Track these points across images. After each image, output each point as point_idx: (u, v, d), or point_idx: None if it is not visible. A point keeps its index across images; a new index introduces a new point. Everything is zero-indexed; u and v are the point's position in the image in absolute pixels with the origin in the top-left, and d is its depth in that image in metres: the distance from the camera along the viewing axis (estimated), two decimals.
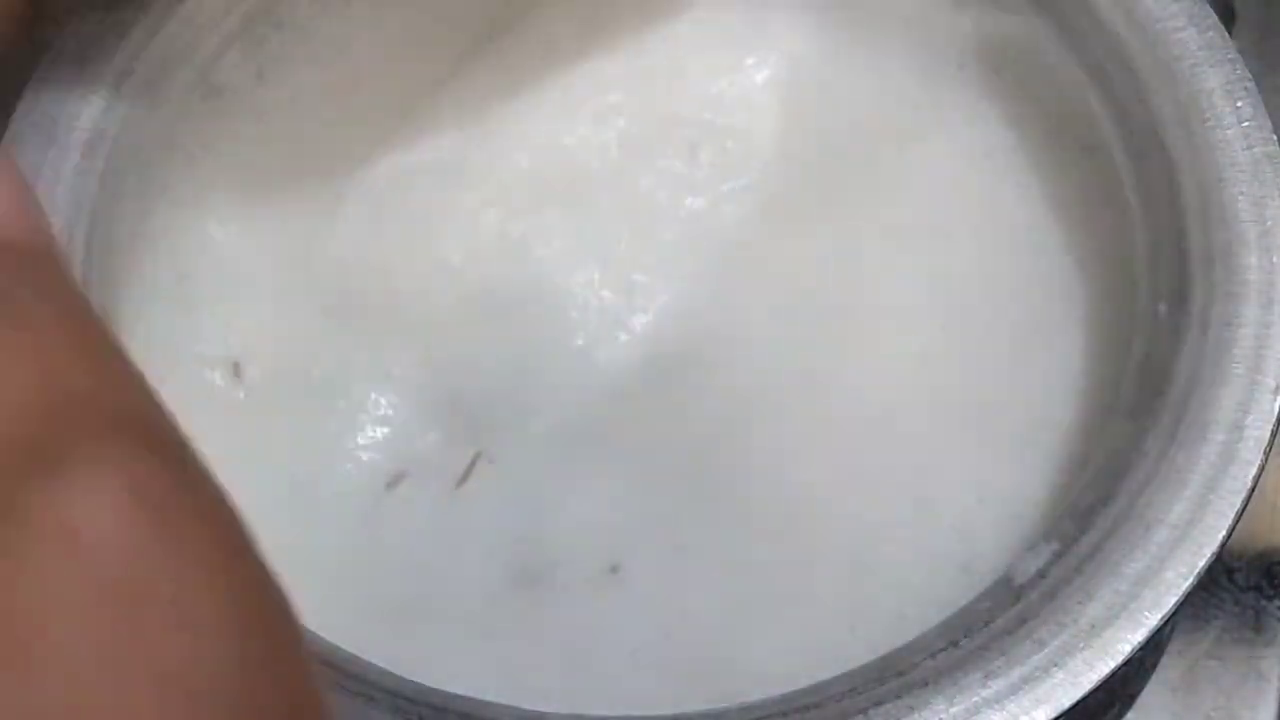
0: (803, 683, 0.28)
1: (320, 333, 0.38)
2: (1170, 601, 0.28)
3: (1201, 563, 0.28)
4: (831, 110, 0.40)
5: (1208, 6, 0.33)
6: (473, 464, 0.36)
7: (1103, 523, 0.29)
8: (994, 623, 0.28)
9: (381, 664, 0.28)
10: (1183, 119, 0.32)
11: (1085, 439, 0.33)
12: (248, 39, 0.37)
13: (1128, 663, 0.27)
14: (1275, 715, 0.37)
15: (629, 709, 0.29)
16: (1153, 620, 0.27)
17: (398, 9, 0.40)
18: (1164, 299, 0.31)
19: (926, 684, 0.27)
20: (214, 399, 0.37)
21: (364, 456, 0.37)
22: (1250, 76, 0.32)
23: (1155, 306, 0.31)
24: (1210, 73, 0.32)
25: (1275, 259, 0.30)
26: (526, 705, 0.29)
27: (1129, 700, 0.34)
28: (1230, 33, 0.33)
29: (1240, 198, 0.31)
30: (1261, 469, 0.29)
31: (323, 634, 0.28)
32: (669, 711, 0.29)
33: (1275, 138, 0.31)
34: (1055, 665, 0.27)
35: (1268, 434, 0.29)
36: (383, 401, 0.37)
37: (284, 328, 0.38)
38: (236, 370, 0.39)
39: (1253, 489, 0.28)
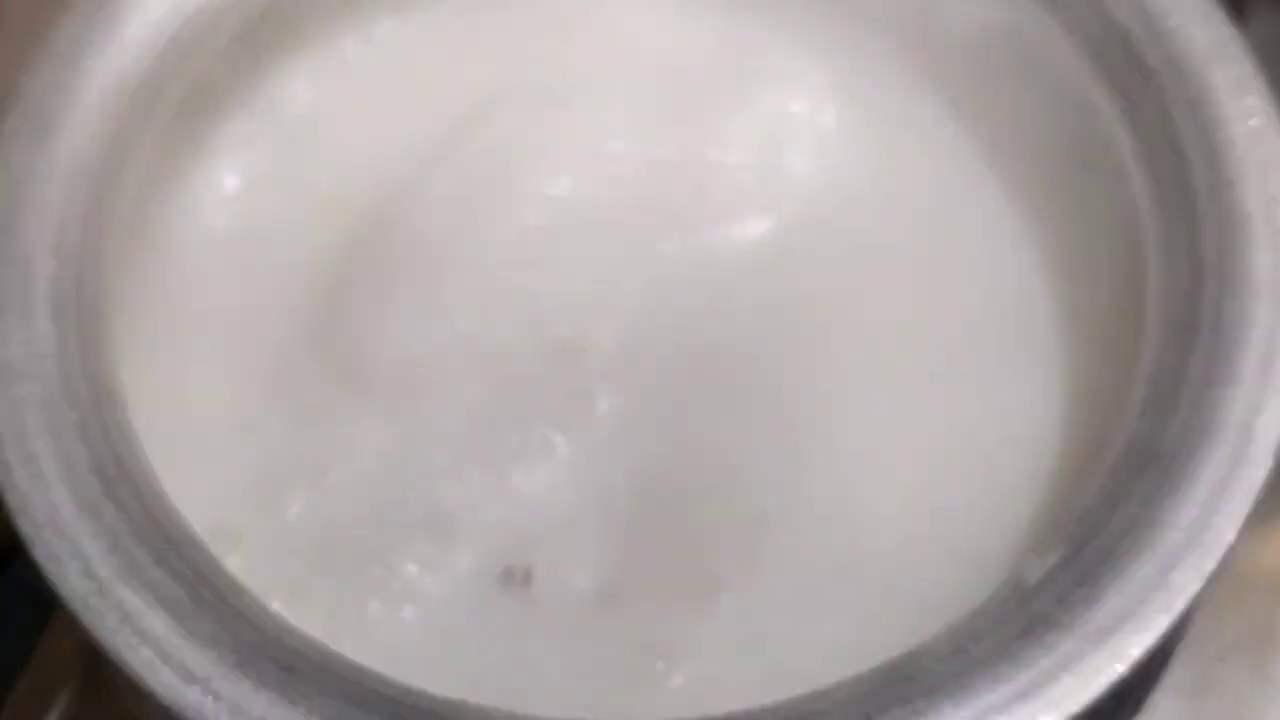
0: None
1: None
2: (1180, 605, 0.27)
3: (1211, 566, 0.28)
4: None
5: (1216, 3, 0.33)
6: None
7: (1111, 526, 0.28)
8: (1002, 627, 0.28)
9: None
10: (1192, 117, 0.32)
11: (1094, 441, 0.32)
12: (246, 42, 0.37)
13: (1137, 667, 0.27)
14: None
15: None
16: (1162, 624, 0.27)
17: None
18: (1174, 299, 0.31)
19: (933, 689, 0.27)
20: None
21: None
22: (1260, 74, 0.32)
23: (1166, 306, 0.31)
24: (1219, 70, 0.32)
25: None
26: None
27: (1138, 705, 0.34)
28: (1240, 29, 0.33)
29: (1250, 196, 0.31)
30: (1272, 471, 0.28)
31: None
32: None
33: None
34: (1063, 669, 0.27)
35: (1278, 436, 0.29)
36: None
37: None
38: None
39: (1263, 491, 0.28)
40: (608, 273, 0.39)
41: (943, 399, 0.36)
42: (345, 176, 0.40)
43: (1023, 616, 0.28)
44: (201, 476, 0.35)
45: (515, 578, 0.36)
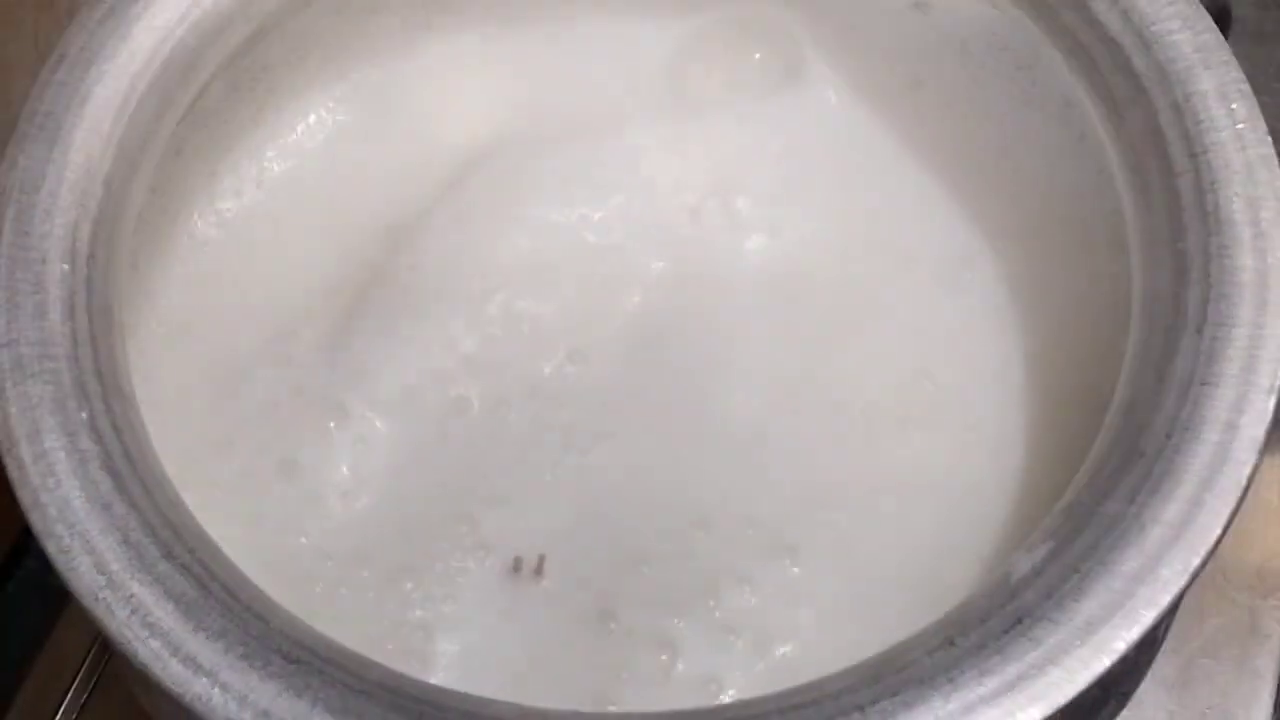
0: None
1: None
2: (1165, 600, 0.28)
3: (1196, 561, 0.28)
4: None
5: (1202, 9, 0.33)
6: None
7: (1098, 521, 0.29)
8: (989, 620, 0.28)
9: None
10: (1178, 122, 0.32)
11: (1080, 439, 0.33)
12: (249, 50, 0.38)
13: (1123, 660, 0.27)
14: (1270, 713, 0.38)
15: None
16: (1148, 618, 0.27)
17: None
18: (1159, 300, 0.31)
19: (922, 681, 0.27)
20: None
21: None
22: (1245, 78, 0.32)
23: (1150, 307, 0.31)
24: (1205, 75, 0.32)
25: (1269, 260, 0.30)
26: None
27: (1124, 698, 0.34)
28: (1226, 35, 0.33)
29: (1235, 199, 0.31)
30: (1256, 469, 0.29)
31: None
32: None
33: (1270, 140, 0.32)
34: (1051, 663, 0.27)
35: (1262, 434, 0.29)
36: None
37: None
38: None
39: (1247, 488, 0.29)
40: (600, 293, 0.40)
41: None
42: (351, 196, 0.41)
43: (1010, 611, 0.28)
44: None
45: (525, 568, 0.37)
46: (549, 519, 0.37)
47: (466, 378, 0.39)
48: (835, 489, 0.37)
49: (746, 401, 0.38)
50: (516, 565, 0.37)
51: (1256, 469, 0.29)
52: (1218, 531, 0.28)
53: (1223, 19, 0.40)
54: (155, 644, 0.27)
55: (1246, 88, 0.32)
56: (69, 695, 0.42)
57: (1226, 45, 0.33)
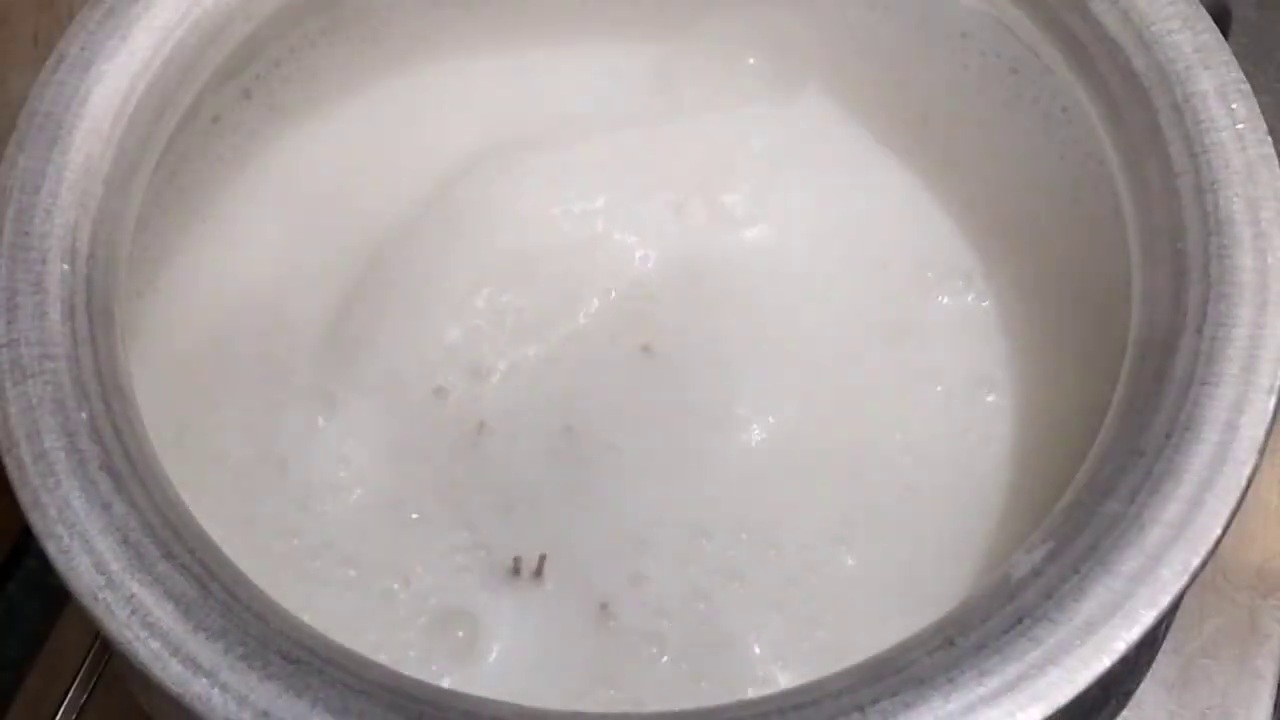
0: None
1: None
2: (1165, 600, 0.28)
3: (1196, 561, 0.28)
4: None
5: (1202, 9, 0.33)
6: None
7: (1098, 521, 0.29)
8: (990, 620, 0.28)
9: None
10: (1178, 122, 0.32)
11: (1080, 438, 0.33)
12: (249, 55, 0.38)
13: (1123, 660, 0.27)
14: (1270, 713, 0.38)
15: None
16: (1148, 618, 0.27)
17: None
18: (1159, 300, 0.31)
19: (923, 681, 0.27)
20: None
21: None
22: (1245, 79, 0.32)
23: (1150, 307, 0.31)
24: (1205, 75, 0.32)
25: (1269, 261, 0.30)
26: None
27: (1125, 698, 0.34)
28: (1225, 35, 0.33)
29: (1235, 199, 0.31)
30: (1256, 469, 0.29)
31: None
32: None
33: (1270, 140, 0.32)
34: (1051, 663, 0.27)
35: (1262, 434, 0.29)
36: None
37: None
38: None
39: (1247, 488, 0.29)
40: (583, 286, 0.41)
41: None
42: (348, 199, 0.42)
43: (1010, 611, 0.28)
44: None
45: (525, 570, 0.37)
46: (543, 516, 0.37)
47: (451, 369, 0.40)
48: (834, 491, 0.38)
49: (738, 402, 0.39)
50: (516, 566, 0.37)
51: (1256, 469, 0.29)
52: (1218, 532, 0.28)
53: (1222, 19, 0.40)
54: (155, 644, 0.27)
55: (1246, 88, 0.32)
56: (68, 695, 0.42)
57: (1226, 45, 0.33)
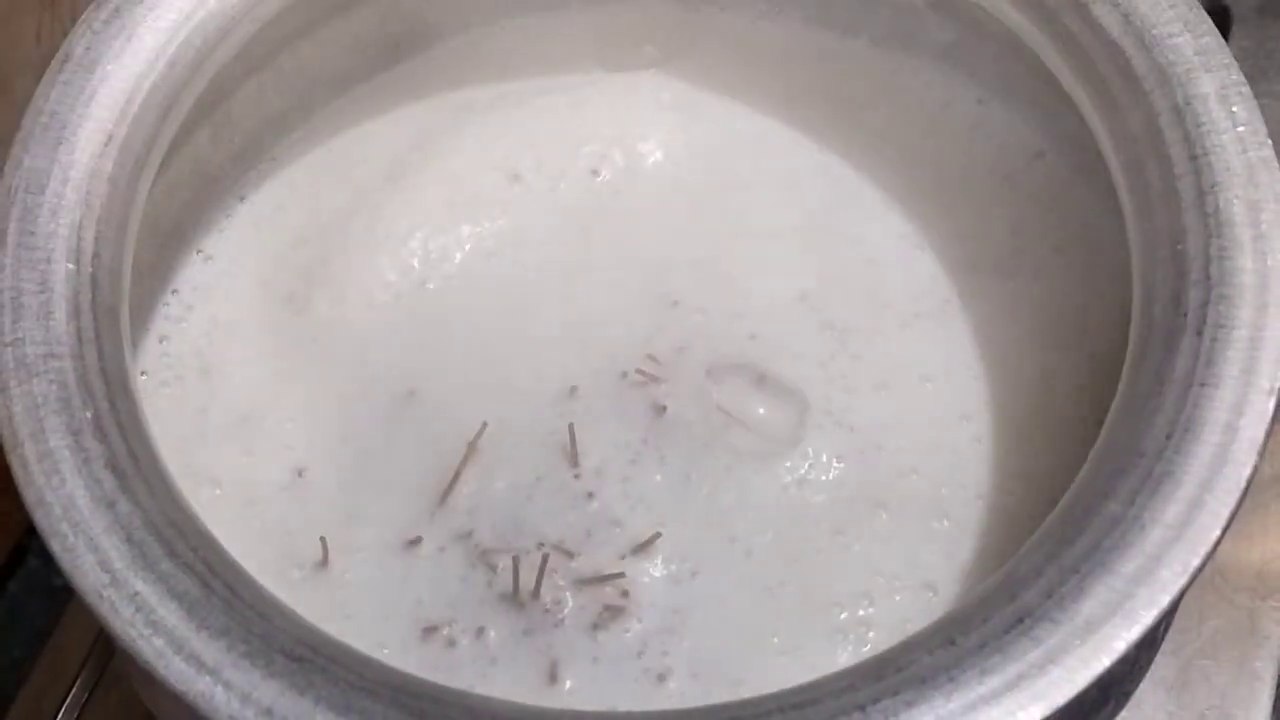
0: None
1: None
2: (1165, 600, 0.28)
3: (1196, 562, 0.28)
4: None
5: (1203, 11, 0.33)
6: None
7: (1099, 522, 0.29)
8: (991, 620, 0.28)
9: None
10: (1179, 124, 0.32)
11: (1082, 438, 0.33)
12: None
13: (1123, 660, 0.27)
14: (1269, 714, 0.38)
15: None
16: (1148, 618, 0.27)
17: None
18: (1159, 302, 0.31)
19: (924, 681, 0.27)
20: None
21: None
22: (1245, 81, 0.32)
23: (1151, 309, 0.31)
24: (1206, 78, 0.32)
25: (1270, 263, 0.31)
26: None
27: (1124, 698, 0.34)
28: (1226, 37, 0.33)
29: (1235, 202, 0.31)
30: (1255, 470, 0.29)
31: None
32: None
33: (1270, 143, 0.32)
34: (1051, 662, 0.27)
35: (1262, 435, 0.29)
36: None
37: None
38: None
39: (1247, 489, 0.29)
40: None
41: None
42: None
43: (1011, 610, 0.28)
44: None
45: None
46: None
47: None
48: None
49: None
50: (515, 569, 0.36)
51: (1256, 470, 0.29)
52: (1217, 532, 0.28)
53: (1223, 21, 0.40)
54: (159, 642, 0.27)
55: (1247, 90, 0.32)
56: (71, 693, 0.42)
57: (1227, 48, 0.33)
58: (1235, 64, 0.33)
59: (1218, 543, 0.28)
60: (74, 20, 0.35)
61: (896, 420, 0.38)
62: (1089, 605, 0.28)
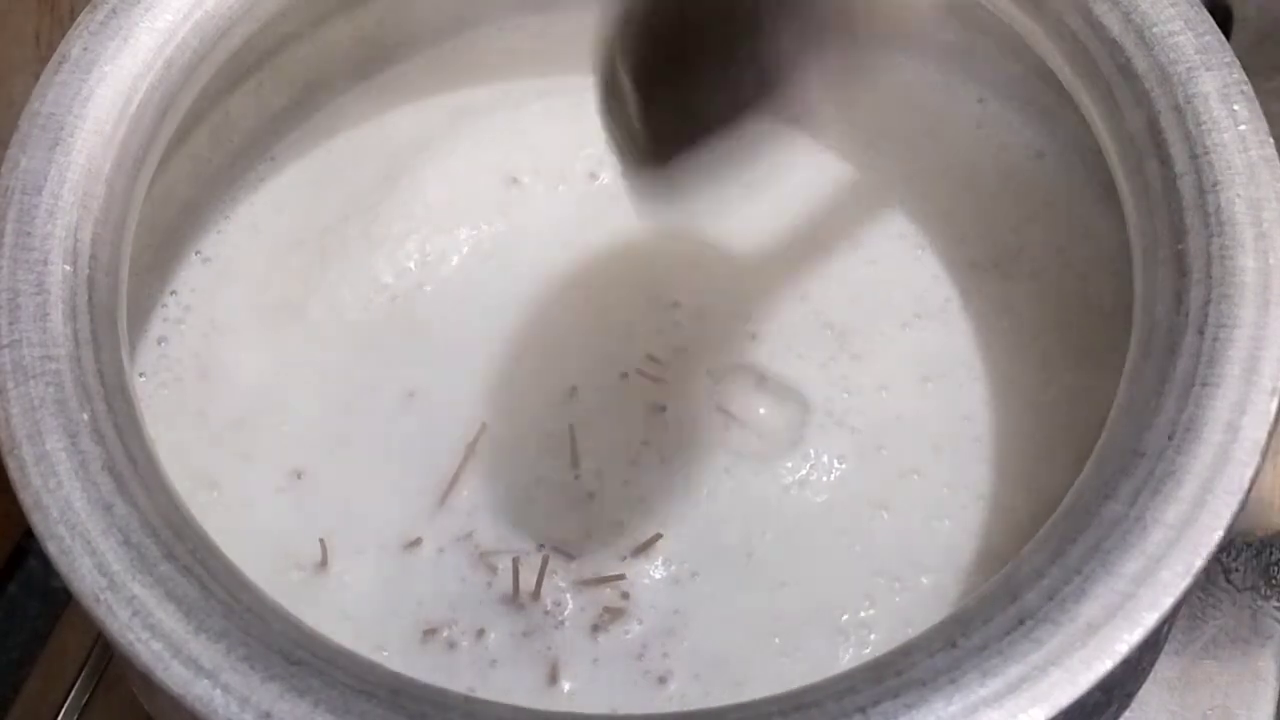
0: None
1: None
2: (1167, 601, 0.28)
3: (1198, 563, 0.28)
4: None
5: (1204, 10, 0.33)
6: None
7: (1100, 523, 0.29)
8: (992, 622, 0.28)
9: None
10: (1180, 123, 0.32)
11: (1083, 438, 0.33)
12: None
13: (1125, 662, 0.27)
14: (1272, 714, 0.38)
15: None
16: (1150, 620, 0.27)
17: None
18: (1161, 301, 0.31)
19: (924, 683, 0.27)
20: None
21: None
22: (1247, 80, 0.32)
23: (1152, 309, 0.31)
24: (1207, 76, 0.32)
25: (1271, 261, 0.31)
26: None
27: (1127, 699, 0.34)
28: (1227, 36, 0.33)
29: (1237, 200, 0.31)
30: (1258, 470, 0.29)
31: None
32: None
33: (1272, 141, 0.32)
34: (1053, 664, 0.27)
35: (1264, 435, 0.29)
36: None
37: None
38: None
39: (1249, 490, 0.29)
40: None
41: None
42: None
43: (1012, 612, 0.28)
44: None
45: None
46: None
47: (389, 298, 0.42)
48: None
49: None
50: (515, 571, 0.36)
51: (1258, 470, 0.29)
52: (1219, 533, 0.28)
53: (1224, 20, 0.40)
54: (157, 645, 0.27)
55: (1248, 89, 0.32)
56: (70, 696, 0.42)
57: (1228, 46, 0.33)
58: (1236, 62, 0.33)
59: (1220, 543, 0.28)
60: (74, 20, 0.35)
61: (897, 420, 0.38)
62: (1090, 607, 0.28)
